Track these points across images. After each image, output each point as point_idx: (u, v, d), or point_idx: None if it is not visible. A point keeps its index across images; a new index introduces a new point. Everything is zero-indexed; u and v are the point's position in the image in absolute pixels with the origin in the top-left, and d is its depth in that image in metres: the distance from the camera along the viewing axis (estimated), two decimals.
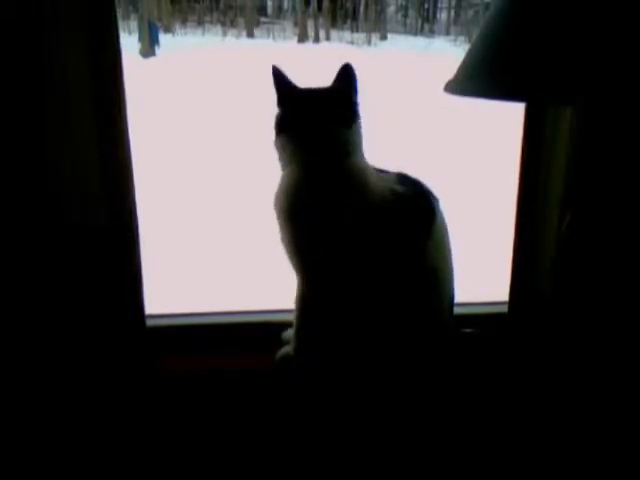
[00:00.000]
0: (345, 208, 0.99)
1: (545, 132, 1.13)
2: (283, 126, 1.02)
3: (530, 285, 1.21)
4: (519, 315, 1.23)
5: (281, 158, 1.04)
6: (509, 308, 1.24)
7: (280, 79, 1.01)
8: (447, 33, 14.93)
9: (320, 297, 1.05)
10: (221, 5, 15.09)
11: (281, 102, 1.03)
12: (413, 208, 1.02)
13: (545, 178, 1.15)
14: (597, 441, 1.17)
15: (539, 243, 1.19)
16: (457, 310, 1.12)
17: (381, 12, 15.05)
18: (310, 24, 13.67)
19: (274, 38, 13.60)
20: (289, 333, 1.16)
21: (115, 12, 0.99)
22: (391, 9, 16.09)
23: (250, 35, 13.75)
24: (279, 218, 1.03)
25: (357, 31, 14.56)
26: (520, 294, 1.23)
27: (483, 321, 1.26)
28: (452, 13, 15.79)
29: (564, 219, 1.10)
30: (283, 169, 1.04)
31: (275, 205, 1.03)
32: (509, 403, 1.20)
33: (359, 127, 1.03)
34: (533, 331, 1.21)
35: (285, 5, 16.04)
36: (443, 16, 15.98)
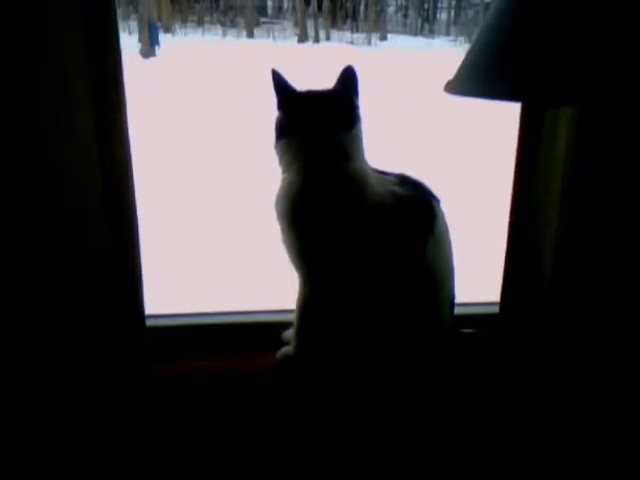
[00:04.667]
0: (345, 211, 0.98)
1: (543, 129, 1.12)
2: (283, 130, 1.02)
3: (522, 286, 1.21)
4: (510, 316, 1.23)
5: (282, 162, 1.03)
6: (500, 309, 1.24)
7: (280, 83, 1.01)
8: (447, 33, 14.95)
9: (321, 298, 1.05)
10: (221, 5, 15.12)
11: (281, 106, 1.03)
12: (413, 210, 1.01)
13: (541, 178, 1.14)
14: (593, 439, 1.17)
15: (532, 244, 1.18)
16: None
17: (381, 12, 15.08)
18: (310, 24, 13.68)
19: (274, 38, 13.61)
20: (289, 333, 1.16)
21: (115, 12, 0.98)
22: (391, 9, 16.12)
23: (250, 35, 13.77)
24: (280, 221, 1.03)
25: (357, 31, 14.58)
26: (512, 295, 1.22)
27: (474, 321, 1.25)
28: (452, 13, 15.82)
29: (562, 219, 1.10)
30: (284, 172, 1.03)
31: (276, 208, 1.03)
32: (502, 402, 1.20)
33: (360, 130, 1.02)
34: (524, 332, 1.20)
35: (285, 5, 16.07)
36: (443, 16, 16.01)
